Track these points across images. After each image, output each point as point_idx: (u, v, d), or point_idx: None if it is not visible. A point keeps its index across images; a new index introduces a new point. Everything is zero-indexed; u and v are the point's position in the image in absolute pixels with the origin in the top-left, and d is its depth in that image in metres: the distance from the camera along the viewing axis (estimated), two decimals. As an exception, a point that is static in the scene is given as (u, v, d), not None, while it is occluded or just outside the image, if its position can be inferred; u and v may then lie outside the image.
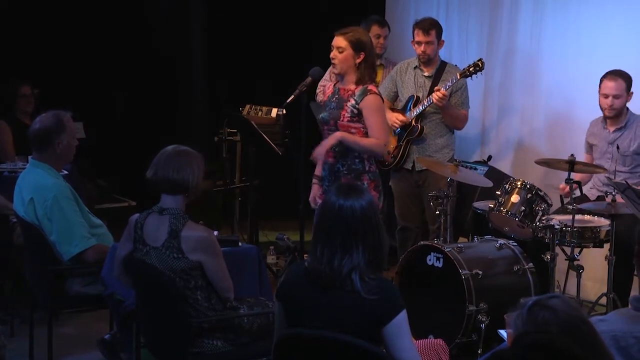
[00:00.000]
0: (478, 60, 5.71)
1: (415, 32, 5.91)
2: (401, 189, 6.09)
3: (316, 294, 3.02)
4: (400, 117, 5.92)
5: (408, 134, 5.91)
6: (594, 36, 6.20)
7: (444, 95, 5.65)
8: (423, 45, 5.87)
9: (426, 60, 5.93)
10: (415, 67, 6.01)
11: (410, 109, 5.92)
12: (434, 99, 5.69)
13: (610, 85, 5.50)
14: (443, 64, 5.97)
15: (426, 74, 5.96)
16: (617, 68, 5.65)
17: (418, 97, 5.91)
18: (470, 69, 5.70)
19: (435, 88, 5.73)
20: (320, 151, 4.69)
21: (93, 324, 5.28)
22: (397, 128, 5.93)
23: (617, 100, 5.53)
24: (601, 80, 5.56)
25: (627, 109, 5.62)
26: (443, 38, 6.00)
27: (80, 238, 4.47)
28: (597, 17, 6.18)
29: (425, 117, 5.90)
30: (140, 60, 8.17)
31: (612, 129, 5.64)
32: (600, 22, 6.16)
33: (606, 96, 5.53)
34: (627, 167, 5.57)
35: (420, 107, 5.83)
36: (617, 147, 5.55)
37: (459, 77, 5.74)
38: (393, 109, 6.02)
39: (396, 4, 7.68)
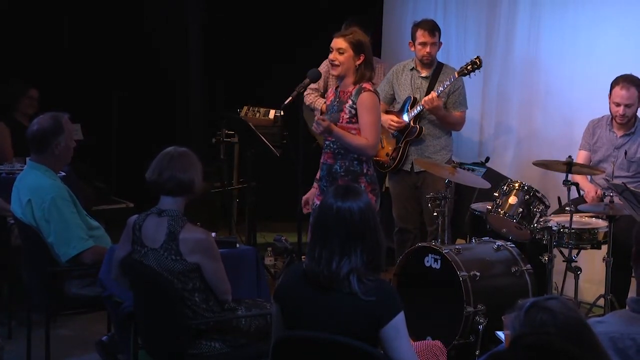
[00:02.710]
0: (475, 58, 5.71)
1: (419, 33, 5.89)
2: (400, 191, 6.09)
3: (314, 296, 3.02)
4: (395, 119, 5.91)
5: (407, 135, 5.91)
6: (591, 37, 6.21)
7: (432, 98, 5.66)
8: (429, 46, 5.86)
9: (429, 62, 5.92)
10: (411, 69, 6.01)
11: (407, 111, 5.91)
12: (423, 101, 5.71)
13: (622, 94, 5.47)
14: (440, 65, 5.98)
15: (423, 75, 5.96)
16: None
17: (415, 99, 5.90)
18: (468, 67, 5.70)
19: (429, 96, 5.73)
20: (325, 123, 4.62)
21: (91, 325, 5.28)
22: (394, 131, 5.93)
23: (629, 109, 5.51)
24: (612, 87, 5.52)
25: (636, 115, 5.61)
26: (441, 39, 6.01)
27: (77, 240, 4.47)
28: (595, 18, 6.19)
29: (423, 118, 5.90)
30: (138, 61, 8.17)
31: (620, 133, 5.63)
32: (598, 22, 6.17)
33: (618, 104, 5.50)
34: (630, 172, 5.57)
35: (418, 108, 5.83)
36: (625, 153, 5.55)
37: (457, 75, 5.74)
38: (389, 112, 6.01)
39: (394, 4, 7.68)
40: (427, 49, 5.87)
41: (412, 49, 5.99)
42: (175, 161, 3.82)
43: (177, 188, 3.81)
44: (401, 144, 5.92)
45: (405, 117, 5.91)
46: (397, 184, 6.11)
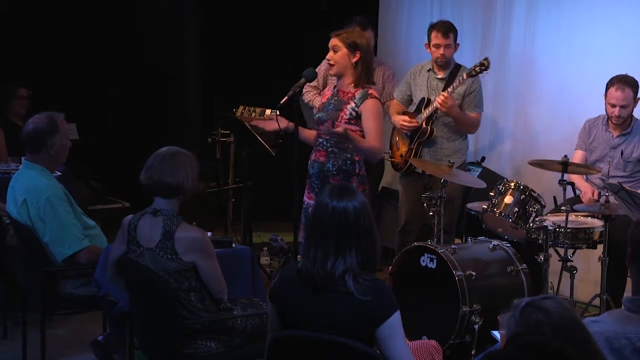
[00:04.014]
0: (484, 60, 5.69)
1: (434, 34, 5.85)
2: (410, 192, 6.03)
3: (309, 296, 3.02)
4: (407, 119, 5.89)
5: (419, 137, 5.88)
6: (587, 37, 6.21)
7: (445, 98, 5.63)
8: (442, 48, 5.83)
9: (444, 64, 5.90)
10: (428, 70, 5.98)
11: (421, 111, 5.89)
12: (437, 102, 5.68)
13: (618, 95, 5.45)
14: (457, 67, 5.92)
15: (439, 76, 5.92)
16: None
17: (429, 100, 5.87)
18: (476, 69, 5.68)
19: (441, 96, 5.71)
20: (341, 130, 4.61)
21: (86, 325, 5.28)
22: (407, 131, 5.91)
23: (624, 109, 5.50)
24: (607, 87, 5.51)
25: (632, 115, 5.61)
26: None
27: (73, 239, 4.46)
28: (590, 18, 6.19)
29: (437, 120, 5.86)
30: (135, 60, 8.16)
31: (616, 133, 5.63)
32: (594, 22, 6.17)
33: (613, 105, 5.49)
34: (626, 172, 5.57)
35: (431, 109, 5.81)
36: (621, 153, 5.55)
37: (465, 77, 5.71)
38: (405, 113, 5.99)
39: (390, 4, 7.68)
40: (441, 51, 5.84)
41: (428, 50, 5.96)
42: (164, 163, 3.79)
43: (165, 192, 3.81)
44: (413, 145, 5.90)
45: (418, 119, 5.88)
46: (409, 185, 6.06)
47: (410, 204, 6.04)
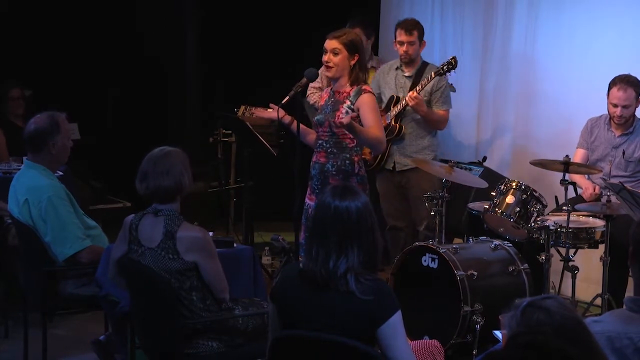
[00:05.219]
0: (451, 58, 5.72)
1: (398, 32, 5.93)
2: (385, 189, 6.12)
3: (310, 295, 3.02)
4: None
5: (387, 134, 5.92)
6: (588, 36, 6.21)
7: (414, 96, 5.67)
8: (405, 45, 5.89)
9: (408, 61, 5.94)
10: (396, 68, 6.03)
11: (390, 109, 5.94)
12: (407, 100, 5.72)
13: (620, 96, 5.45)
14: (424, 65, 5.98)
15: (407, 74, 5.98)
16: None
17: (398, 97, 5.91)
18: (444, 67, 5.71)
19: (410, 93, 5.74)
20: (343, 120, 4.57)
21: (87, 325, 5.28)
22: None
23: (626, 109, 5.49)
24: (609, 87, 5.50)
25: (634, 115, 5.60)
26: (438, 39, 6.00)
27: (74, 239, 4.46)
28: (592, 18, 6.19)
29: (406, 117, 5.91)
30: (135, 59, 8.16)
31: (618, 133, 5.62)
32: (595, 22, 6.17)
33: (615, 105, 5.49)
34: (628, 172, 5.57)
35: (399, 107, 5.84)
36: (623, 153, 5.54)
37: (432, 75, 5.74)
38: None
39: (391, 4, 7.67)
40: (404, 48, 5.90)
41: (395, 48, 6.03)
42: (157, 167, 3.77)
43: (166, 197, 3.80)
44: None
45: (386, 116, 5.93)
46: (383, 182, 6.14)
47: (389, 200, 6.11)
